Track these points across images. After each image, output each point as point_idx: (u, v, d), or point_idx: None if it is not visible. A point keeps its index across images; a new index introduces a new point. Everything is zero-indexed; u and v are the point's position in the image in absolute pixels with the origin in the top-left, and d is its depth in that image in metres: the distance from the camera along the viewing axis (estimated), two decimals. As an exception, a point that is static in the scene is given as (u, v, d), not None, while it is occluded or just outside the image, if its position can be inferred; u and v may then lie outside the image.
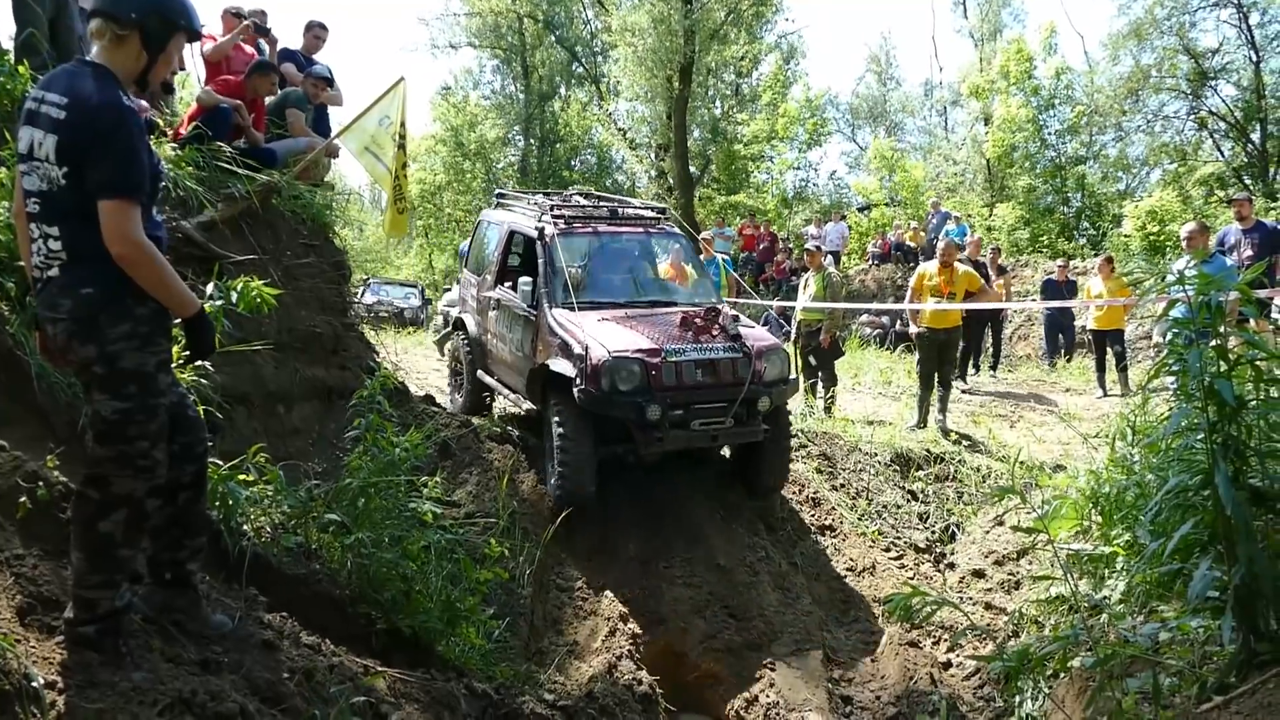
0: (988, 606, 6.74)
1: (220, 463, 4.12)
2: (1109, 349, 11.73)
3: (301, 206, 7.08)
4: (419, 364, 12.48)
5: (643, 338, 6.61)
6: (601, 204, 8.60)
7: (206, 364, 4.09)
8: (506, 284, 8.16)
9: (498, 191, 9.85)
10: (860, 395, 11.88)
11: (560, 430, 6.57)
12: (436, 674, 4.14)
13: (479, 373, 8.64)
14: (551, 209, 7.89)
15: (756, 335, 7.05)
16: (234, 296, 4.31)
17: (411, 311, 20.62)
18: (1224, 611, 2.13)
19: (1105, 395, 11.29)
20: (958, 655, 6.37)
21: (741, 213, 28.76)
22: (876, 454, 8.66)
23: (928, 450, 8.76)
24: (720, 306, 7.17)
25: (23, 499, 2.95)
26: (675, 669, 5.53)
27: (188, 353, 2.90)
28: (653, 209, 8.54)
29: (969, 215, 24.15)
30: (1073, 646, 2.91)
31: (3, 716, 2.21)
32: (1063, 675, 5.01)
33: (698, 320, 6.90)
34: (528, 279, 7.44)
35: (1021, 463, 8.57)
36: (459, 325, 9.18)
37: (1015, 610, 6.30)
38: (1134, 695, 2.83)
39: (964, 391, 11.82)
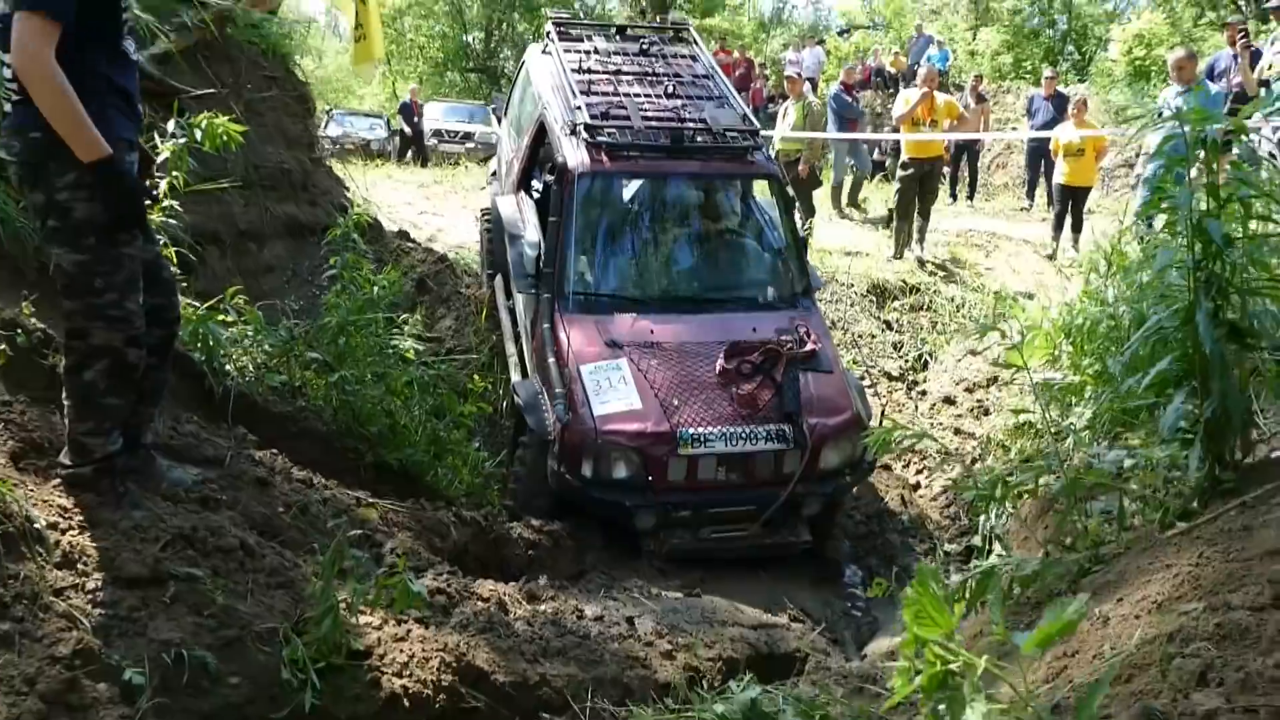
0: (957, 431, 6.99)
1: (197, 304, 4.09)
2: (1070, 208, 10.19)
3: (259, 36, 6.76)
4: (388, 197, 12.24)
5: (653, 401, 4.59)
6: (674, 100, 5.76)
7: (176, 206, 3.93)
8: (530, 194, 6.25)
9: (551, 20, 6.65)
10: (837, 225, 11.85)
11: (523, 455, 4.98)
12: (426, 504, 4.27)
13: (496, 280, 6.79)
14: (587, 126, 5.27)
15: (825, 402, 4.80)
16: (198, 134, 4.16)
17: (378, 143, 20.02)
18: (1192, 443, 2.22)
19: (1054, 258, 10.15)
20: (926, 478, 6.65)
21: (716, 37, 27.71)
22: (853, 285, 8.73)
23: (904, 281, 8.84)
24: (786, 340, 4.91)
25: (3, 347, 2.92)
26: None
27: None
28: (745, 131, 5.54)
29: (952, 39, 23.42)
30: (1044, 474, 3.03)
31: (9, 556, 2.26)
32: (1026, 498, 5.27)
33: (747, 366, 4.77)
34: (535, 237, 5.35)
35: (996, 293, 8.70)
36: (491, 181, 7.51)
37: (984, 435, 6.54)
38: (1099, 518, 2.97)
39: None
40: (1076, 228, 10.03)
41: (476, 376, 5.19)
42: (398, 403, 4.61)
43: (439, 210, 11.82)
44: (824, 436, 4.68)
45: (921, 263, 9.35)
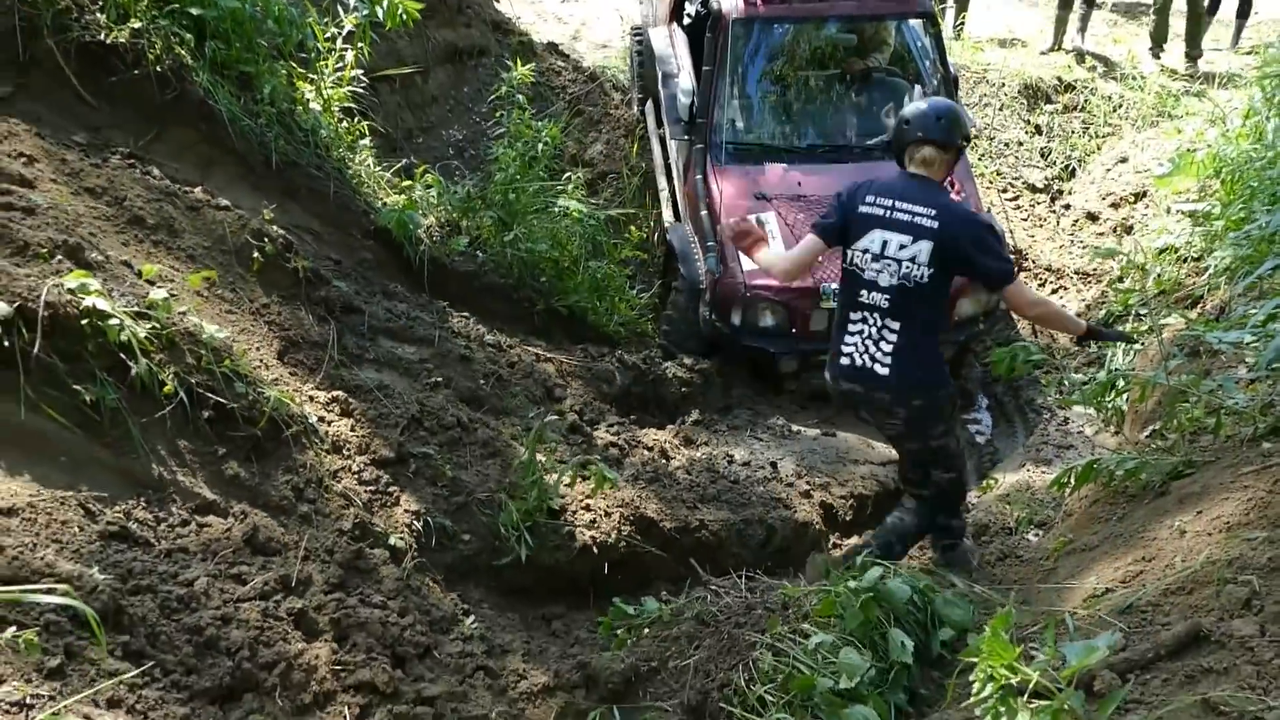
0: (1098, 250, 7.02)
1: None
2: None
3: None
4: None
5: None
6: None
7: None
8: (681, 22, 6.31)
9: None
10: (994, 3, 11.17)
11: (675, 300, 5.31)
12: (592, 349, 4.86)
13: (647, 106, 6.76)
14: None
15: None
16: (379, 12, 4.51)
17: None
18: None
19: (1236, 42, 9.34)
20: (1062, 299, 6.81)
21: None
22: (1004, 85, 8.45)
23: (1059, 79, 8.48)
24: None
25: (255, 254, 3.51)
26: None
27: None
28: None
29: None
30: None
31: (296, 449, 2.94)
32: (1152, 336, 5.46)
33: None
34: (688, 84, 5.54)
35: (1157, 92, 8.28)
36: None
37: (1124, 257, 6.59)
38: (1203, 407, 3.29)
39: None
40: (1243, 12, 9.16)
41: (633, 228, 5.59)
42: (566, 253, 5.12)
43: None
44: (959, 289, 4.83)
45: (1081, 56, 8.89)
